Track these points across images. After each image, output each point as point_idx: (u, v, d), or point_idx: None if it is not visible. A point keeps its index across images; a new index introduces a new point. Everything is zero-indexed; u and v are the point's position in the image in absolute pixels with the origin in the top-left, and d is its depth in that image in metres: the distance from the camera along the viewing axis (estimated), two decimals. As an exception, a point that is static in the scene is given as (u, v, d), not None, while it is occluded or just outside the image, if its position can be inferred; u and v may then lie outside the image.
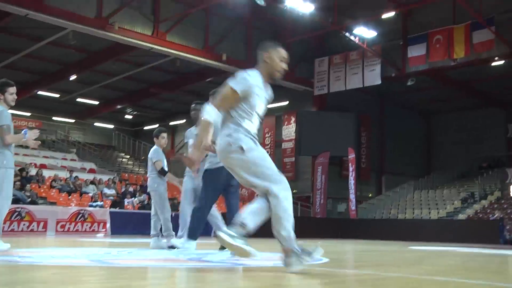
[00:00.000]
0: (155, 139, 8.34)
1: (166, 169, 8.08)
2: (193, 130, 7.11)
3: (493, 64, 23.01)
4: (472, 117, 31.42)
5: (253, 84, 3.80)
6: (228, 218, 6.15)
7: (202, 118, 3.81)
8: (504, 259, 7.28)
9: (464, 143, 31.52)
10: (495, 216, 22.89)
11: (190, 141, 7.09)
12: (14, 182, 18.22)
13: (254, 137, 3.87)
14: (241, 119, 3.81)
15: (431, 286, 3.25)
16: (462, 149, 31.51)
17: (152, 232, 7.74)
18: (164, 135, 8.44)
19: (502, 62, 22.67)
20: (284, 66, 4.02)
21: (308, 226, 22.82)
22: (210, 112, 3.78)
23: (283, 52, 4.01)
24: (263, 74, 3.94)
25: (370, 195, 30.20)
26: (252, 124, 3.89)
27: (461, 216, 25.02)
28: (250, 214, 3.85)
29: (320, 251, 3.78)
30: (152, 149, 8.17)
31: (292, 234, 3.74)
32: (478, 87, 28.15)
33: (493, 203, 26.02)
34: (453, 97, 29.52)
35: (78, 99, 32.72)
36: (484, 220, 23.35)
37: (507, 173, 27.77)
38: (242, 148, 3.73)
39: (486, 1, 20.61)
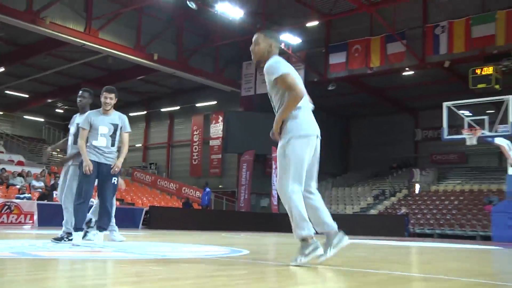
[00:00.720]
0: None
1: None
2: (77, 118, 6.64)
3: (404, 74, 23.91)
4: (385, 121, 32.43)
5: None
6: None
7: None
8: (406, 250, 7.60)
9: (377, 145, 32.48)
10: (402, 212, 23.82)
11: (71, 129, 6.64)
12: None
13: None
14: None
15: (339, 276, 3.36)
16: (376, 150, 32.47)
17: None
18: None
19: (411, 72, 23.61)
20: None
21: (233, 219, 22.94)
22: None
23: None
24: None
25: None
26: None
27: (373, 212, 25.88)
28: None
29: None
30: None
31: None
32: (391, 94, 29.16)
33: (401, 199, 27.07)
34: (369, 103, 30.35)
35: (7, 91, 31.46)
36: (392, 215, 24.25)
37: (413, 173, 28.94)
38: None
39: (398, 16, 21.44)
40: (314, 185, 3.97)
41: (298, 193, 3.76)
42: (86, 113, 6.23)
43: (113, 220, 7.83)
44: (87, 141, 6.04)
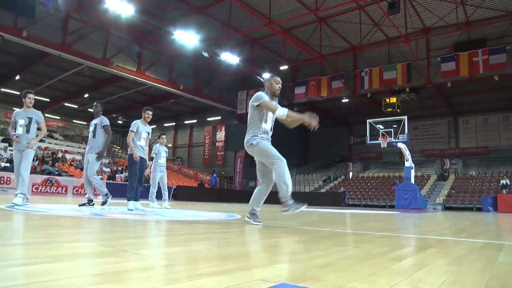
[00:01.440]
0: (158, 139, 8.19)
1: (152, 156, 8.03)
2: (93, 121, 6.30)
3: (343, 100, 24.12)
4: (330, 131, 32.46)
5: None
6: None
7: (282, 115, 3.72)
8: (343, 215, 7.65)
9: (325, 146, 32.65)
10: (341, 190, 23.96)
11: (90, 128, 6.33)
12: (48, 160, 17.58)
13: (265, 132, 3.77)
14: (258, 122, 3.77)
15: (300, 232, 3.38)
16: (325, 150, 32.64)
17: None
18: (164, 136, 8.20)
19: (347, 100, 23.82)
20: (279, 87, 3.87)
21: (231, 195, 22.93)
22: (281, 109, 3.70)
23: (277, 79, 3.87)
24: (269, 93, 3.85)
25: (269, 176, 30.65)
26: (266, 124, 3.80)
27: (322, 190, 26.00)
28: (255, 201, 3.84)
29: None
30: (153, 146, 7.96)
31: (289, 187, 3.62)
32: (334, 114, 29.36)
33: (340, 182, 27.24)
34: (320, 119, 29.85)
35: (89, 109, 31.60)
36: (335, 192, 24.41)
37: (348, 165, 29.13)
38: (252, 144, 3.75)
39: (339, 64, 21.65)
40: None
41: None
42: (134, 122, 6.10)
43: (166, 194, 8.04)
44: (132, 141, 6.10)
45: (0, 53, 20.21)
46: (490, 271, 1.66)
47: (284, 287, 1.22)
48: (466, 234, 3.70)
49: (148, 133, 6.23)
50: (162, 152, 7.95)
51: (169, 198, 8.49)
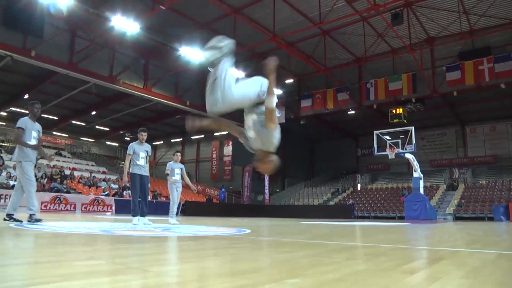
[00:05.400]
0: (173, 157, 8.19)
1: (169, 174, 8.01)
2: (30, 123, 5.43)
3: (349, 113, 24.05)
4: (337, 143, 32.48)
5: None
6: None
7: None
8: (352, 228, 7.55)
9: (332, 159, 32.49)
10: (349, 202, 23.71)
11: (34, 133, 5.44)
12: (56, 178, 17.68)
13: None
14: None
15: (309, 246, 3.34)
16: (332, 162, 32.46)
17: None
18: (178, 153, 8.31)
19: (353, 112, 23.75)
20: None
21: (240, 209, 22.83)
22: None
23: None
24: None
25: (277, 190, 30.51)
26: None
27: (331, 203, 25.77)
28: None
29: None
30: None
31: None
32: (340, 126, 29.25)
33: (349, 194, 26.99)
34: (327, 131, 30.44)
35: (96, 127, 31.79)
36: (344, 205, 24.15)
37: (356, 177, 28.89)
38: None
39: (344, 76, 21.69)
40: None
41: None
42: (130, 145, 6.50)
43: (175, 209, 7.92)
44: (131, 161, 6.43)
45: (10, 73, 20.60)
46: (507, 284, 1.62)
47: (297, 303, 1.20)
48: (479, 245, 3.63)
49: (147, 151, 6.59)
50: (176, 169, 7.99)
51: (178, 214, 8.47)
